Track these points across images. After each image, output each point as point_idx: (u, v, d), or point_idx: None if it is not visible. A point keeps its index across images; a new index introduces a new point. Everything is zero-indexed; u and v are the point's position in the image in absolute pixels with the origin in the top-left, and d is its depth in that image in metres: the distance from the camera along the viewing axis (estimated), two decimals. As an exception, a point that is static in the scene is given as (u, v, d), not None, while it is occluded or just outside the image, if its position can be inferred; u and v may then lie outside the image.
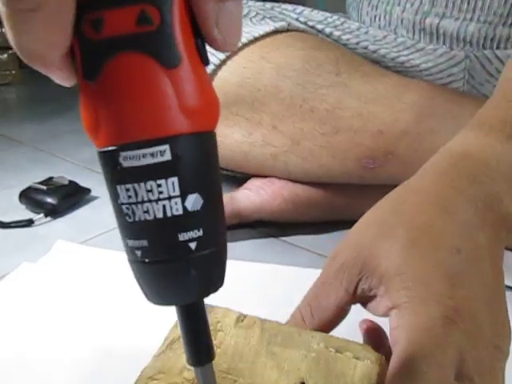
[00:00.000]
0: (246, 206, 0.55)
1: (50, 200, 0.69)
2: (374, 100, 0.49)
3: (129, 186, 0.18)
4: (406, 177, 0.51)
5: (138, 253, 0.19)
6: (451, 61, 0.56)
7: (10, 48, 1.83)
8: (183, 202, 0.18)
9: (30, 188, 0.72)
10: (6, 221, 0.66)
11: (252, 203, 0.55)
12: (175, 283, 0.20)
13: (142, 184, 0.18)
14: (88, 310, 0.46)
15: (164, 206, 0.18)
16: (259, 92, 0.51)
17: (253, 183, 0.57)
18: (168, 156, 0.18)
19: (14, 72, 1.92)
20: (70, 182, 0.74)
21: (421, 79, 0.55)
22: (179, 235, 0.18)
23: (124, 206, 0.18)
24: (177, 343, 0.28)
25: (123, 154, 0.18)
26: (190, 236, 0.19)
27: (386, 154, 0.49)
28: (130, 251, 0.20)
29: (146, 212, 0.18)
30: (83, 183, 0.74)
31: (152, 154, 0.17)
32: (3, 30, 0.15)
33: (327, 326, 0.30)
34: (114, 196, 0.19)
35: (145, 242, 0.19)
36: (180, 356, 0.27)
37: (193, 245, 0.19)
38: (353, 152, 0.50)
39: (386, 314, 0.27)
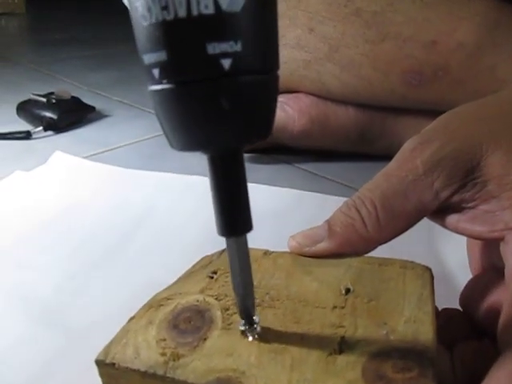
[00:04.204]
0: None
1: (49, 114, 0.63)
2: (431, 5, 0.43)
3: None
4: (454, 99, 0.45)
5: (156, 72, 0.14)
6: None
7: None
8: None
9: (29, 101, 0.67)
10: (1, 131, 0.60)
11: (275, 119, 0.49)
12: (201, 117, 0.15)
13: None
14: (79, 225, 0.40)
15: (188, 0, 0.13)
16: (297, -15, 0.44)
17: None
18: None
19: (16, 1, 1.83)
20: (73, 97, 0.68)
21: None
22: (207, 45, 0.14)
23: (139, 3, 0.14)
24: (195, 273, 0.24)
25: None
26: (222, 49, 0.14)
27: (436, 69, 0.43)
28: (147, 72, 0.15)
29: (165, 8, 0.14)
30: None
31: None
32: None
33: (389, 238, 0.23)
34: None
35: (163, 55, 0.14)
36: (200, 281, 0.23)
37: (226, 62, 0.14)
38: (398, 64, 0.44)
39: (493, 235, 0.21)
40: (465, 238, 0.27)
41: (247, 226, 0.17)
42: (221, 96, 0.14)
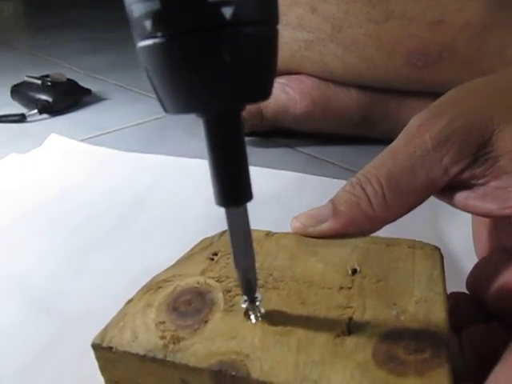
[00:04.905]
0: (269, 104, 0.48)
1: (44, 96, 0.62)
2: (436, -17, 0.41)
3: None
4: (459, 81, 0.43)
5: (148, 24, 0.13)
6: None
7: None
8: None
9: (23, 83, 0.65)
10: (-6, 115, 0.59)
11: (276, 101, 0.47)
12: (199, 73, 0.13)
13: None
14: (75, 209, 0.39)
15: None
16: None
17: (277, 80, 0.49)
18: None
19: (11, -16, 1.80)
20: (69, 80, 0.66)
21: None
22: None
23: None
24: (195, 255, 0.22)
25: None
26: None
27: (441, 49, 0.42)
28: (138, 26, 0.13)
29: None
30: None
31: None
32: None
33: (397, 216, 0.22)
34: None
35: (156, 3, 0.12)
36: (200, 263, 0.21)
37: (227, 11, 0.12)
38: (403, 44, 0.43)
39: (504, 212, 0.20)
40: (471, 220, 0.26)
41: (247, 195, 0.16)
42: (223, 48, 0.13)
